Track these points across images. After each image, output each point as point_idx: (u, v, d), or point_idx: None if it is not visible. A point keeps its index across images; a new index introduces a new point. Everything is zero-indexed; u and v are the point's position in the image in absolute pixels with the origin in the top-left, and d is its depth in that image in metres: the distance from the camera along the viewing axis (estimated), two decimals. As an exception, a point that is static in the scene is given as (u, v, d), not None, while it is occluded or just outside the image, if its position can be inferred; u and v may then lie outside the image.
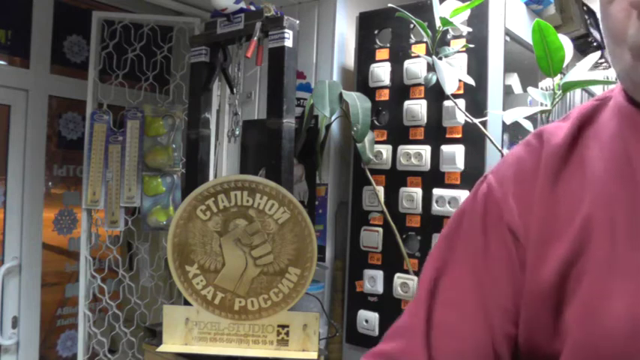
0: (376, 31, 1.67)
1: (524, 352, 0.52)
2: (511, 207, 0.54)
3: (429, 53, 1.44)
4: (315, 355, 1.35)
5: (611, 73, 2.30)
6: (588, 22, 2.03)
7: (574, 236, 0.49)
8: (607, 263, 0.47)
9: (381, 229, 1.62)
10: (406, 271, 1.54)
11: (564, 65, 1.20)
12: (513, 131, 1.66)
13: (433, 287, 0.56)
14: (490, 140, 1.38)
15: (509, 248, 0.53)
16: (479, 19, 1.45)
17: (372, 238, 1.62)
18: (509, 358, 0.52)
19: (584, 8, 2.03)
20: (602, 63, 2.35)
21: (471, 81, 1.40)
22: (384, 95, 1.64)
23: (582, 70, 1.27)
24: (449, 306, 0.54)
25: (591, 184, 0.50)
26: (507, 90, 1.68)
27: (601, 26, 0.52)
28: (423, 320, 0.54)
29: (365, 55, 1.68)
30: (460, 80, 1.40)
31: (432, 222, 1.51)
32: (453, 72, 1.38)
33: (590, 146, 0.53)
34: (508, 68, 1.55)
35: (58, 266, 2.31)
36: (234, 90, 1.65)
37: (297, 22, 1.43)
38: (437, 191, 1.50)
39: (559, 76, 1.22)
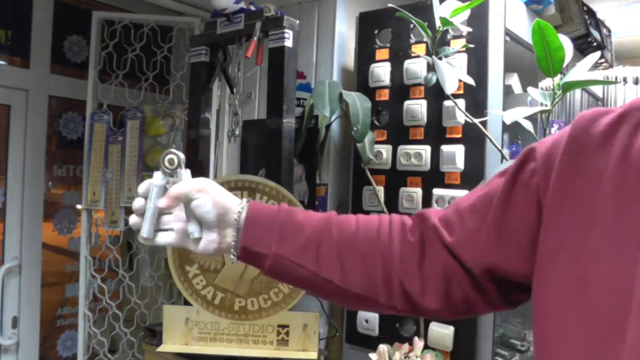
0: (376, 31, 1.67)
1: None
2: (541, 174, 0.60)
3: (429, 53, 1.44)
4: (315, 355, 1.35)
5: (611, 73, 2.30)
6: (588, 22, 2.03)
7: (580, 215, 0.53)
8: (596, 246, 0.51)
9: (381, 229, 1.61)
10: (406, 271, 1.54)
11: (564, 65, 1.20)
12: (513, 131, 1.66)
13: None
14: (490, 140, 1.38)
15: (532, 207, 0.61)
16: (479, 19, 1.45)
17: (372, 238, 1.62)
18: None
19: (584, 8, 2.03)
20: (602, 63, 2.35)
21: (470, 81, 1.39)
22: (384, 95, 1.64)
23: (582, 70, 1.26)
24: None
25: (615, 175, 0.52)
26: (507, 90, 1.68)
27: None
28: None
29: (365, 55, 1.68)
30: (460, 80, 1.39)
31: (432, 222, 1.51)
32: (453, 72, 1.38)
33: (630, 135, 0.54)
34: (508, 68, 1.54)
35: (58, 266, 2.31)
36: (234, 90, 1.65)
37: (297, 22, 1.43)
38: (437, 191, 1.50)
39: (559, 76, 1.22)
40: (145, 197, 0.70)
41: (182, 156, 0.71)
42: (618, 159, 0.52)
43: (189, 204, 0.68)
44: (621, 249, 0.49)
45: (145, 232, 0.69)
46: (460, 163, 1.46)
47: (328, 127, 1.68)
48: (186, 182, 0.70)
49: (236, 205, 0.70)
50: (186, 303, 1.40)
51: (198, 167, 1.59)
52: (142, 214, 0.69)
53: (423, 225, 0.70)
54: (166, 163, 0.71)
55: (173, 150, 0.71)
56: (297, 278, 0.71)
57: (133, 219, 0.70)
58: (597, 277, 0.50)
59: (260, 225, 0.70)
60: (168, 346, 1.40)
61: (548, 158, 0.59)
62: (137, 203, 0.69)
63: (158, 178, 0.71)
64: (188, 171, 0.72)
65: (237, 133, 1.66)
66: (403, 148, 1.57)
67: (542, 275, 0.57)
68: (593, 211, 0.52)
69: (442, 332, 1.43)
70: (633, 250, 0.47)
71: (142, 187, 0.71)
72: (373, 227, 0.71)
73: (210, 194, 0.69)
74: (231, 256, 0.71)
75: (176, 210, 0.71)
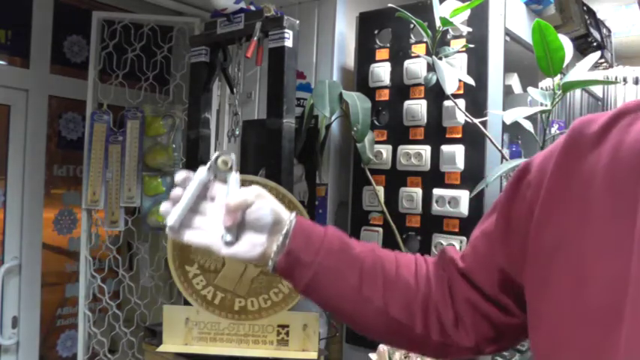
0: (376, 31, 1.67)
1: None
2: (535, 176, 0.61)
3: (429, 53, 1.44)
4: (315, 355, 1.35)
5: (611, 73, 2.30)
6: (588, 22, 2.03)
7: (575, 213, 0.54)
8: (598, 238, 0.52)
9: (381, 229, 1.62)
10: (406, 271, 1.54)
11: (564, 65, 1.20)
12: (513, 131, 1.66)
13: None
14: (490, 140, 1.38)
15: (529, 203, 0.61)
16: (479, 19, 1.45)
17: (372, 238, 1.62)
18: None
19: (584, 8, 2.03)
20: (602, 63, 2.35)
21: (470, 81, 1.39)
22: (384, 95, 1.64)
23: (582, 70, 1.26)
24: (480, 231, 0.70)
25: (607, 171, 0.53)
26: (507, 90, 1.68)
27: None
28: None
29: (365, 55, 1.68)
30: (460, 80, 1.39)
31: (432, 222, 1.51)
32: (453, 72, 1.38)
33: (622, 133, 0.55)
34: (508, 68, 1.54)
35: (58, 266, 2.31)
36: (234, 90, 1.65)
37: (297, 22, 1.43)
38: (437, 191, 1.50)
39: (559, 76, 1.22)
40: (183, 188, 0.68)
41: (234, 158, 0.71)
42: (609, 157, 0.54)
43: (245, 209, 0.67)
44: (616, 243, 0.50)
45: (171, 220, 0.67)
46: (460, 163, 1.46)
47: (328, 127, 1.68)
48: (242, 191, 0.69)
49: (287, 214, 0.70)
50: (186, 303, 1.40)
51: (199, 167, 1.59)
52: (176, 202, 0.68)
53: (443, 259, 0.72)
54: (220, 164, 0.70)
55: (226, 151, 0.70)
56: (335, 295, 0.69)
57: (165, 206, 0.68)
58: (595, 274, 0.50)
59: (308, 235, 0.69)
60: (168, 346, 1.40)
61: (543, 167, 0.60)
62: (176, 192, 0.68)
63: (203, 173, 0.69)
64: (238, 174, 0.71)
65: (237, 133, 1.66)
66: (403, 148, 1.57)
67: (538, 275, 0.58)
68: (589, 209, 0.53)
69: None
70: (627, 243, 0.48)
71: (179, 177, 0.69)
72: (410, 258, 0.74)
73: (266, 199, 0.69)
74: (269, 263, 0.69)
75: (208, 210, 0.69)
